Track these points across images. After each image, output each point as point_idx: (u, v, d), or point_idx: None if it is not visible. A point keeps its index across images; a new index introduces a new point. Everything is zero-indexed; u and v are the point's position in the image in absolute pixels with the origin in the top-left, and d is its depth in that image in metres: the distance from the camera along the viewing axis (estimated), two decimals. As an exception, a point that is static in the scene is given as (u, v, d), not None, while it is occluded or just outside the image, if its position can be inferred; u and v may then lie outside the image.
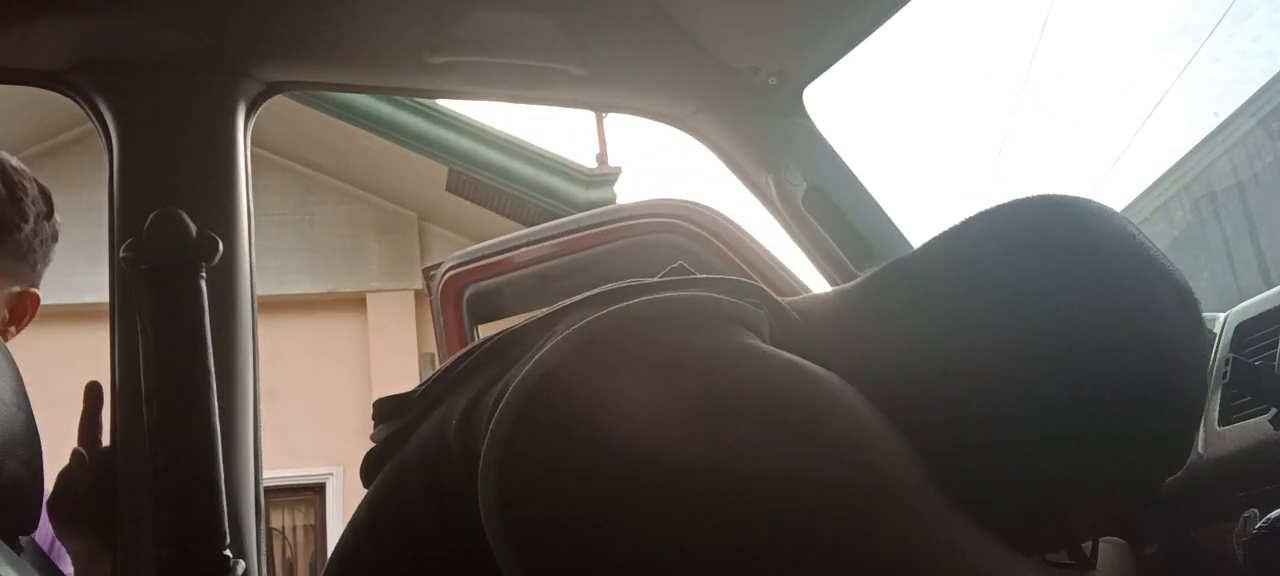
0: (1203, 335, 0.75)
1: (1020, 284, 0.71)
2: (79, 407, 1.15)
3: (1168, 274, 0.73)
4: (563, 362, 0.61)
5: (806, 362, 0.64)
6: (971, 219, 0.77)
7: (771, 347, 0.66)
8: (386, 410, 0.79)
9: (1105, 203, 0.79)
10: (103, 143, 1.27)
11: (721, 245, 1.87)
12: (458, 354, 0.76)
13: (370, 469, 0.78)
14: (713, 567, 0.57)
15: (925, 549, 0.59)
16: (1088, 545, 0.79)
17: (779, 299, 0.76)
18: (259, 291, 1.32)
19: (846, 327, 0.76)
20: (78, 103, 1.27)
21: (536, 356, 0.62)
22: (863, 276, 0.81)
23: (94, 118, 1.27)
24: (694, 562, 0.57)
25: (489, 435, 0.61)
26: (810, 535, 0.56)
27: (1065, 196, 0.77)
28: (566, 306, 0.71)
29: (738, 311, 0.68)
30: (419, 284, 6.65)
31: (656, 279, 0.74)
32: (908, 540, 0.58)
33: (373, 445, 0.80)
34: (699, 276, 0.75)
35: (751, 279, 0.82)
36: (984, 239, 0.75)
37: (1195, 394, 0.74)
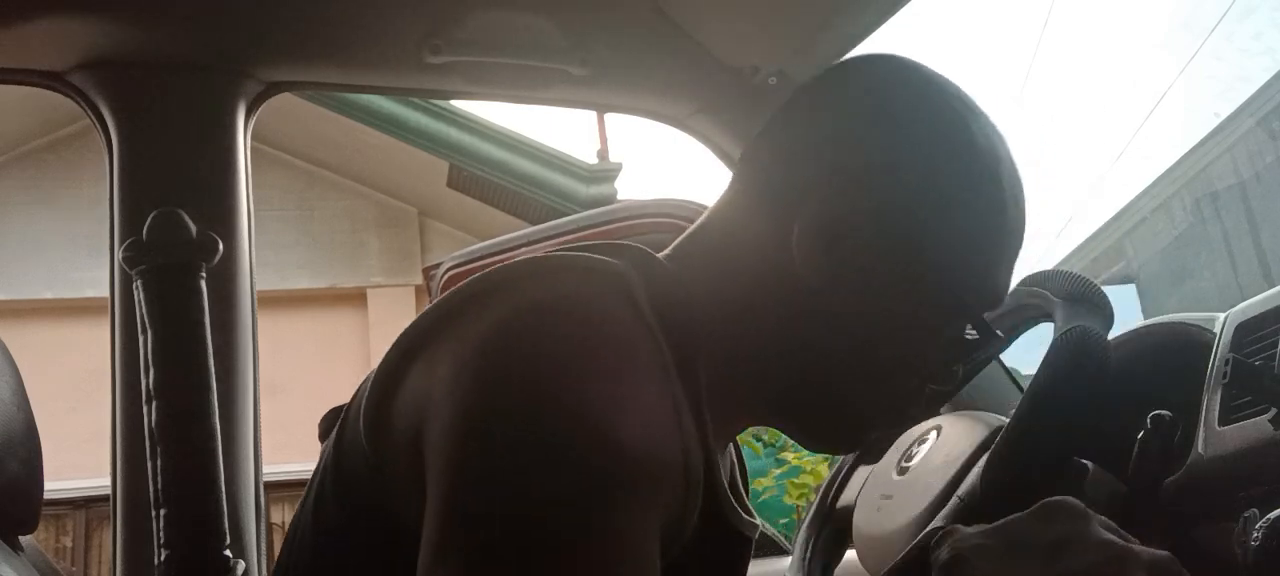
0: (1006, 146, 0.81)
1: (842, 122, 0.77)
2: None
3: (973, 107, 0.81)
4: (429, 324, 0.69)
5: (619, 325, 0.66)
6: (800, 90, 0.82)
7: (597, 301, 0.67)
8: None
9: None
10: (102, 142, 1.27)
11: (722, 244, 1.86)
12: None
13: None
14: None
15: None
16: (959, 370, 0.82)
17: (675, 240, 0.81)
18: (259, 286, 1.32)
19: (699, 242, 0.80)
20: (78, 103, 1.27)
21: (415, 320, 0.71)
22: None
23: (94, 118, 1.27)
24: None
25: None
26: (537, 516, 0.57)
27: (883, 55, 0.83)
28: None
29: (593, 263, 0.71)
30: (419, 279, 6.64)
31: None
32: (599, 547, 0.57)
33: None
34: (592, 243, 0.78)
35: None
36: (807, 103, 0.81)
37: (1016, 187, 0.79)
